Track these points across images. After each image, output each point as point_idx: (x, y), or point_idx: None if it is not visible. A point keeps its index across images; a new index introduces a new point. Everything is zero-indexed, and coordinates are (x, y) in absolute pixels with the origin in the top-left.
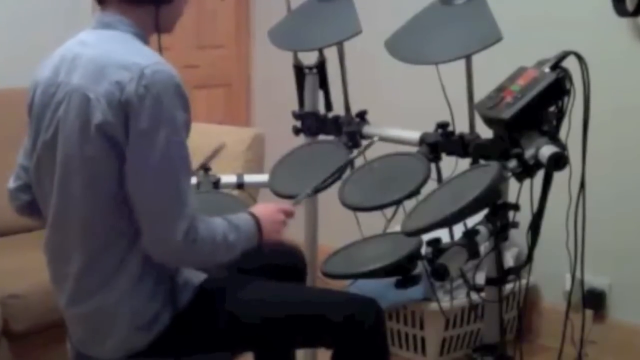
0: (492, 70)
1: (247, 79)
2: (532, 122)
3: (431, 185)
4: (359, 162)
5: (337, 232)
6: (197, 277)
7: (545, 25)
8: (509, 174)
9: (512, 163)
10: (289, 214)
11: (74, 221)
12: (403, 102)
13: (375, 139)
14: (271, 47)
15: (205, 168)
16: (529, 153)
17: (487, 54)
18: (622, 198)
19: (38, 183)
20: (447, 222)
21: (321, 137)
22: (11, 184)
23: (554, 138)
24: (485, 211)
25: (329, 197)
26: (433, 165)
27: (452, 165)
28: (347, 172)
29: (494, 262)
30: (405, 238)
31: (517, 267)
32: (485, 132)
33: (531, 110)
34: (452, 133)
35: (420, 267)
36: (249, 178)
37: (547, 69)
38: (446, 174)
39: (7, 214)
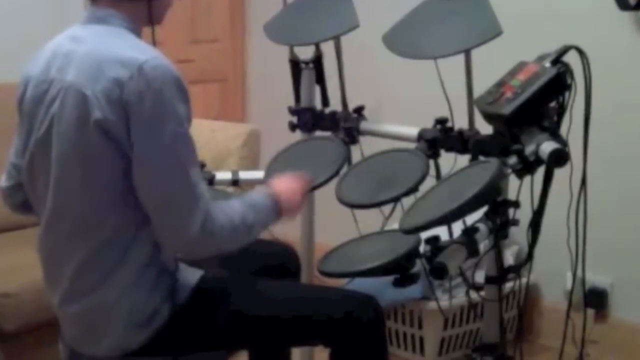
0: (491, 65)
1: (243, 74)
2: (532, 117)
3: (430, 182)
4: (356, 158)
5: (334, 229)
6: (193, 275)
7: (545, 19)
8: (509, 170)
9: (512, 159)
10: (306, 185)
11: (71, 219)
12: (401, 98)
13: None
14: (267, 42)
15: (200, 164)
16: (529, 149)
17: (487, 49)
18: (624, 195)
19: (31, 181)
20: (446, 219)
21: (318, 133)
22: (3, 182)
23: (554, 134)
24: (484, 208)
25: (326, 194)
26: (432, 162)
27: (451, 161)
28: (344, 168)
29: (494, 260)
30: (403, 236)
31: (517, 266)
32: (484, 128)
33: (532, 106)
34: (451, 129)
35: (419, 266)
36: (244, 175)
37: (547, 64)
38: (445, 170)
39: None
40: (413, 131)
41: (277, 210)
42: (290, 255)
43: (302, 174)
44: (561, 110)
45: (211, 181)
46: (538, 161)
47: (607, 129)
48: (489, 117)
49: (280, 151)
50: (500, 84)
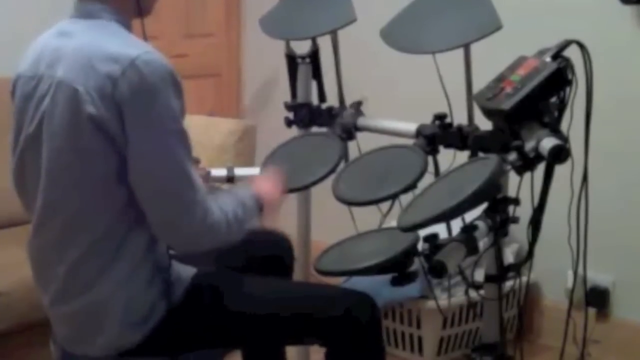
0: (491, 59)
1: (238, 68)
2: (532, 113)
3: (428, 178)
4: (353, 154)
5: (330, 227)
6: (187, 272)
7: (546, 13)
8: (509, 167)
9: (512, 156)
10: (283, 180)
11: (63, 216)
12: (399, 93)
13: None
14: (263, 36)
15: (194, 161)
16: (529, 145)
17: (486, 43)
18: (626, 192)
19: (21, 179)
20: (445, 217)
21: (314, 128)
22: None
23: (555, 130)
24: (484, 206)
25: (323, 191)
26: (430, 158)
27: (450, 158)
28: (341, 165)
29: (494, 258)
30: (401, 234)
31: (518, 264)
32: (484, 124)
33: (532, 101)
34: (450, 125)
35: (417, 264)
36: (239, 171)
37: (548, 59)
38: (444, 167)
39: None
40: (411, 127)
41: (260, 207)
42: (283, 246)
43: (278, 170)
44: (562, 105)
45: (206, 178)
46: (538, 157)
47: (608, 124)
48: (488, 113)
49: (277, 147)
50: (500, 79)
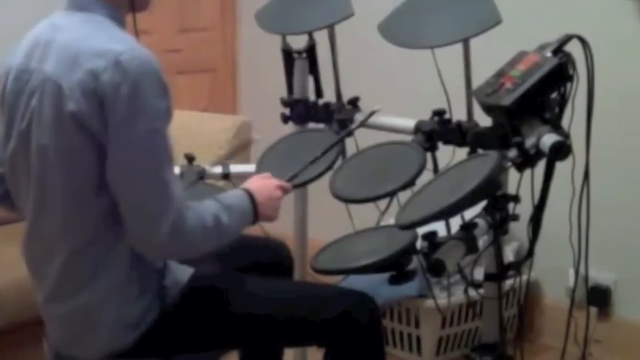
0: (491, 54)
1: (233, 64)
2: (533, 109)
3: (427, 175)
4: (350, 151)
5: (327, 225)
6: (183, 273)
7: (547, 7)
8: (509, 163)
9: (512, 152)
10: (285, 190)
11: (54, 215)
12: (397, 89)
13: (378, 107)
14: (258, 30)
15: (189, 158)
16: (529, 142)
17: (486, 38)
18: (628, 189)
19: (13, 175)
20: (444, 214)
21: (311, 125)
22: None
23: (556, 126)
24: (483, 203)
25: (320, 189)
26: (429, 155)
27: (449, 154)
28: (339, 161)
29: (493, 256)
30: (399, 232)
31: (518, 262)
32: (483, 120)
33: (532, 97)
34: (449, 121)
35: (416, 262)
36: (235, 168)
37: (549, 54)
38: (443, 164)
39: None
40: (410, 123)
41: (254, 211)
42: (283, 252)
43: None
44: (563, 101)
45: (201, 175)
46: (539, 154)
47: (610, 120)
48: (488, 109)
49: (273, 144)
50: (500, 75)
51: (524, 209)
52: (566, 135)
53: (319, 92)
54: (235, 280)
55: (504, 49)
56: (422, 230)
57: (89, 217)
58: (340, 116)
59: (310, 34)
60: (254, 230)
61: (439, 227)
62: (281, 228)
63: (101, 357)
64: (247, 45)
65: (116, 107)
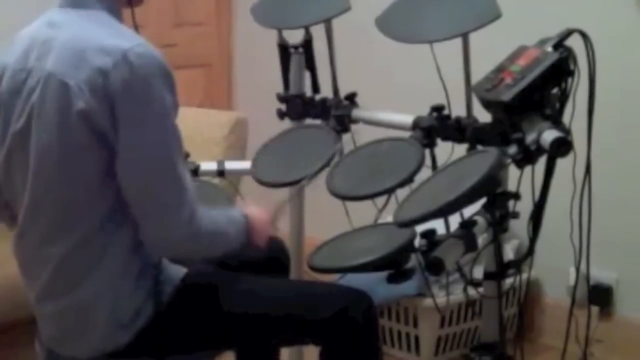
0: (490, 49)
1: (228, 58)
2: (533, 104)
3: (425, 172)
4: (348, 147)
5: (324, 223)
6: (178, 272)
7: (547, 1)
8: (509, 160)
9: (512, 149)
10: (274, 230)
11: (49, 214)
12: (395, 84)
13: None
14: (254, 25)
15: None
16: (530, 138)
17: (486, 32)
18: (630, 186)
19: (8, 176)
20: (443, 212)
21: (307, 121)
22: None
23: (557, 122)
24: (483, 200)
25: (316, 186)
26: (427, 152)
27: (447, 151)
28: (336, 158)
29: (493, 255)
30: (397, 229)
31: (518, 261)
32: (483, 116)
33: (532, 92)
34: (448, 117)
35: (414, 261)
36: (230, 165)
37: (549, 48)
38: (441, 160)
39: None
40: (408, 119)
41: (248, 234)
42: (280, 250)
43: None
44: (564, 96)
45: (195, 172)
46: (539, 150)
47: (611, 116)
48: (487, 104)
49: (269, 140)
50: (500, 70)
51: (524, 206)
52: (567, 131)
53: (315, 88)
54: (230, 278)
55: (504, 44)
56: (420, 228)
57: (88, 216)
58: (338, 112)
59: (306, 29)
60: None
61: (437, 224)
62: (277, 226)
63: (95, 356)
64: (243, 40)
65: (126, 104)
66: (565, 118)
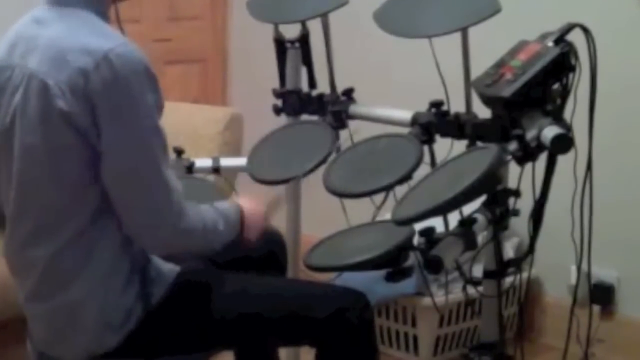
0: (490, 44)
1: (224, 53)
2: (534, 100)
3: (424, 169)
4: (345, 144)
5: (321, 220)
6: (169, 271)
7: None
8: (509, 157)
9: (513, 145)
10: (267, 221)
11: (35, 215)
12: (393, 79)
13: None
14: (250, 19)
15: (178, 151)
16: (530, 134)
17: (485, 27)
18: (632, 183)
19: None
20: (442, 209)
21: (304, 117)
22: None
23: (558, 118)
24: (483, 198)
25: (313, 183)
26: (426, 148)
27: (446, 147)
28: (333, 155)
29: (493, 253)
30: (395, 227)
31: (518, 259)
32: (483, 112)
33: (533, 88)
34: (447, 113)
35: (412, 259)
36: (225, 162)
37: (550, 43)
38: (440, 157)
39: None
40: (406, 115)
41: (240, 230)
42: (277, 243)
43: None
44: (565, 92)
45: (190, 169)
46: (540, 147)
47: (614, 112)
48: (487, 100)
49: (265, 136)
50: (500, 65)
51: (525, 204)
52: (568, 128)
53: (312, 83)
54: (223, 278)
55: (504, 39)
56: (419, 226)
57: (74, 216)
58: (335, 108)
59: (303, 23)
60: None
61: (436, 222)
62: (273, 223)
63: (85, 358)
64: (239, 34)
65: (108, 105)
66: (566, 114)
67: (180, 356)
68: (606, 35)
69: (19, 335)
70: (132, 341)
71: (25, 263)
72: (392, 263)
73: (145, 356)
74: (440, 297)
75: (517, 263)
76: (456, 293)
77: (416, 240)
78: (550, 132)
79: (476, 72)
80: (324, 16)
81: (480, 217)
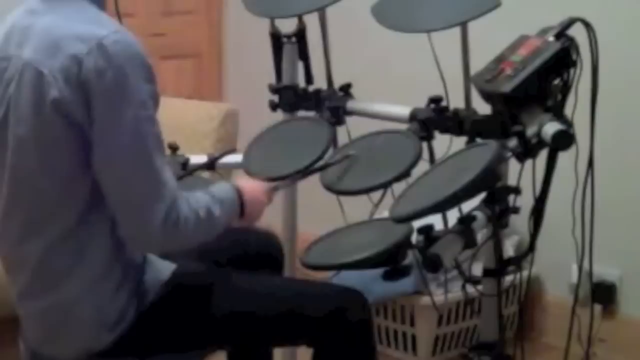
0: (490, 39)
1: (219, 48)
2: (534, 96)
3: (423, 166)
4: (343, 141)
5: (318, 218)
6: (165, 269)
7: None
8: (509, 153)
9: (513, 142)
10: (270, 199)
11: (28, 208)
12: (392, 75)
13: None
14: (245, 14)
15: (172, 147)
16: (531, 131)
17: (485, 21)
18: (634, 179)
19: None
20: (441, 207)
21: (301, 113)
22: None
23: (558, 114)
24: (482, 195)
25: (310, 180)
26: (425, 144)
27: (445, 144)
28: (330, 151)
29: (493, 251)
30: (394, 225)
31: (518, 257)
32: (482, 108)
33: (533, 83)
34: (446, 109)
35: (411, 257)
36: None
37: (551, 38)
38: (439, 154)
39: None
40: (404, 111)
41: (240, 213)
42: (274, 245)
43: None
44: (566, 88)
45: (185, 165)
46: (540, 143)
47: (615, 108)
48: (487, 96)
49: (261, 133)
50: (500, 60)
51: (525, 201)
52: (569, 124)
53: (309, 79)
54: (219, 276)
55: (504, 33)
56: (417, 224)
57: (67, 211)
58: (332, 103)
59: (300, 17)
60: None
61: (435, 220)
62: (269, 221)
63: (79, 357)
64: (234, 29)
65: (101, 93)
66: (568, 110)
67: (175, 355)
68: (608, 30)
69: (12, 334)
70: (126, 340)
71: (17, 259)
72: (390, 261)
73: (139, 355)
74: (439, 296)
75: (517, 261)
76: (455, 292)
77: (415, 238)
78: (551, 128)
79: (476, 67)
80: (321, 10)
81: (479, 215)
